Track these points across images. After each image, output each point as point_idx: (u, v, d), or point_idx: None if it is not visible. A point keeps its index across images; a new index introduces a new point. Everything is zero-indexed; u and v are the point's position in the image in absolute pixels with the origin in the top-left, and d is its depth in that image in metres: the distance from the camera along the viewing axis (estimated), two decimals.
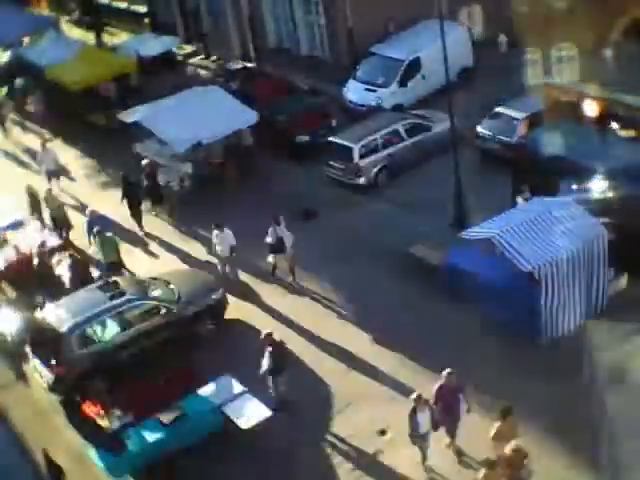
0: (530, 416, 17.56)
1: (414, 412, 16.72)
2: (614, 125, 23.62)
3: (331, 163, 27.51)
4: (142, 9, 41.85)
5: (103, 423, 18.66)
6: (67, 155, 32.15)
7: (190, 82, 32.73)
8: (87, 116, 33.40)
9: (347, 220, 25.72)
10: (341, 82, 31.51)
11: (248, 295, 23.29)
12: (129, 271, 24.33)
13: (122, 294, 21.16)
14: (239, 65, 35.50)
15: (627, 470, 16.60)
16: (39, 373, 20.84)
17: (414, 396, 16.76)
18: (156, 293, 21.66)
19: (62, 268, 24.05)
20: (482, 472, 15.32)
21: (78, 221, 26.62)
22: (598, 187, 21.45)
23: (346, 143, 27.19)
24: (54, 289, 23.33)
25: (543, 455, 16.85)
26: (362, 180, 27.05)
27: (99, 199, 28.86)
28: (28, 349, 21.21)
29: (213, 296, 22.03)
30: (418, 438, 17.07)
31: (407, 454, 17.63)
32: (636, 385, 18.34)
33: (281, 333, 20.59)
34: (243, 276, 23.95)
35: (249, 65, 35.69)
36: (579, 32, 27.70)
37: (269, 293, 23.31)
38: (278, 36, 35.04)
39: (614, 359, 18.99)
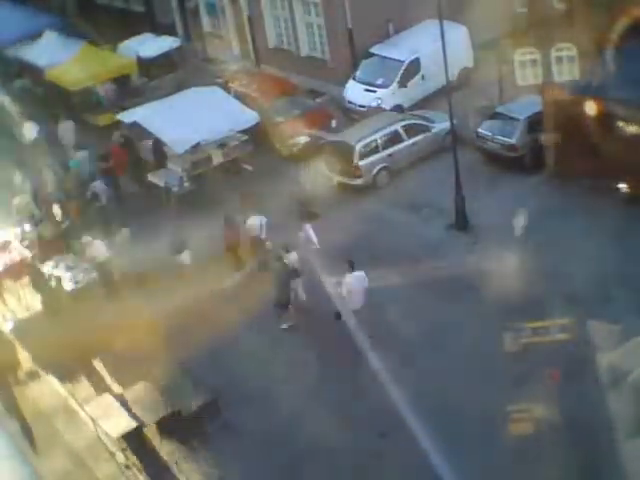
0: None
1: None
2: None
3: (331, 164, 27.48)
4: (141, 9, 41.81)
5: None
6: None
7: (190, 82, 32.67)
8: (86, 116, 33.41)
9: (347, 221, 25.71)
10: (341, 83, 31.47)
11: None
12: None
13: None
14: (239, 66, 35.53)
15: (627, 470, 16.61)
16: None
17: None
18: None
19: (60, 270, 24.15)
20: None
21: None
22: None
23: (346, 143, 27.17)
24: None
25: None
26: (362, 180, 27.01)
27: None
28: None
29: None
30: None
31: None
32: (636, 385, 18.34)
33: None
34: None
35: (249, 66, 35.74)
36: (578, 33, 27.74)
37: None
38: (278, 36, 34.98)
39: (614, 359, 19.01)
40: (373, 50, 31.56)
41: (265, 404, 19.67)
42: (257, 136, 29.04)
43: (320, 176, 27.68)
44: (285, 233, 25.15)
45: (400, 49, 31.16)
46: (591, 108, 23.90)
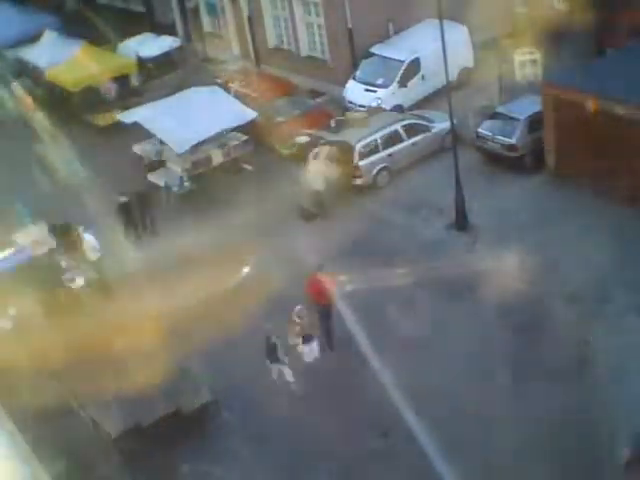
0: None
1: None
2: None
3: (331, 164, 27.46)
4: (141, 9, 41.88)
5: None
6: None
7: (190, 82, 32.67)
8: (86, 116, 33.44)
9: (347, 221, 25.70)
10: (341, 83, 31.46)
11: None
12: None
13: None
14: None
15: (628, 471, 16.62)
16: None
17: None
18: None
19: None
20: None
21: None
22: None
23: (346, 143, 27.16)
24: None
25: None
26: (362, 181, 26.98)
27: None
28: None
29: None
30: None
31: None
32: (636, 384, 18.36)
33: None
34: None
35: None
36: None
37: None
38: (278, 36, 35.00)
39: (613, 357, 19.04)
40: (373, 50, 31.55)
41: (265, 404, 19.67)
42: (257, 136, 29.04)
43: (320, 176, 27.65)
44: (285, 234, 25.21)
45: (400, 49, 31.15)
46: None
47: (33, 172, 29.30)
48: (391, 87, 30.58)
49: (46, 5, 41.44)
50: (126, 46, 36.39)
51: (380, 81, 30.78)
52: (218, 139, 28.57)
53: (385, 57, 31.22)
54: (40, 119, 31.79)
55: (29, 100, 33.48)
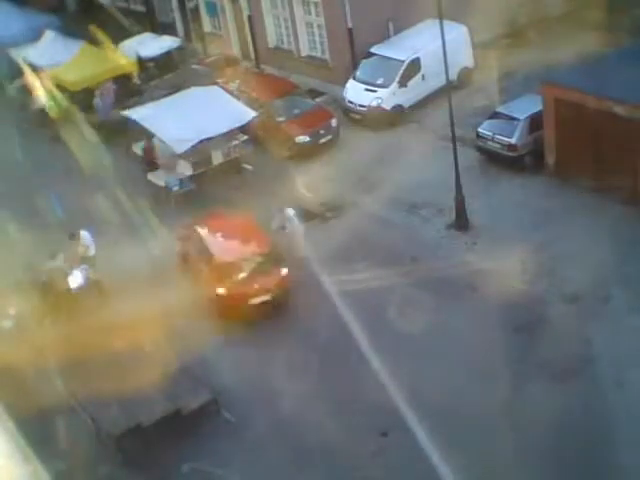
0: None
1: None
2: None
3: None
4: (141, 9, 41.90)
5: None
6: None
7: (190, 82, 32.65)
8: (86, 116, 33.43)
9: (347, 221, 25.70)
10: (341, 83, 31.45)
11: None
12: None
13: None
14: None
15: (628, 471, 16.63)
16: None
17: None
18: None
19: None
20: None
21: None
22: None
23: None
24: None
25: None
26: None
27: None
28: None
29: None
30: None
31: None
32: (636, 385, 18.37)
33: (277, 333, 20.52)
34: None
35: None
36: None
37: None
38: (278, 36, 35.01)
39: (614, 358, 19.05)
40: (373, 50, 31.52)
41: (265, 403, 19.67)
42: (257, 136, 29.03)
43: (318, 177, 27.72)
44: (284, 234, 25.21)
45: (400, 49, 31.12)
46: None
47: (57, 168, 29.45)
48: (391, 87, 30.56)
49: (46, 5, 41.45)
50: (126, 46, 36.39)
51: (380, 81, 30.76)
52: (218, 139, 28.56)
53: (385, 57, 31.19)
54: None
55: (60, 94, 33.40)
